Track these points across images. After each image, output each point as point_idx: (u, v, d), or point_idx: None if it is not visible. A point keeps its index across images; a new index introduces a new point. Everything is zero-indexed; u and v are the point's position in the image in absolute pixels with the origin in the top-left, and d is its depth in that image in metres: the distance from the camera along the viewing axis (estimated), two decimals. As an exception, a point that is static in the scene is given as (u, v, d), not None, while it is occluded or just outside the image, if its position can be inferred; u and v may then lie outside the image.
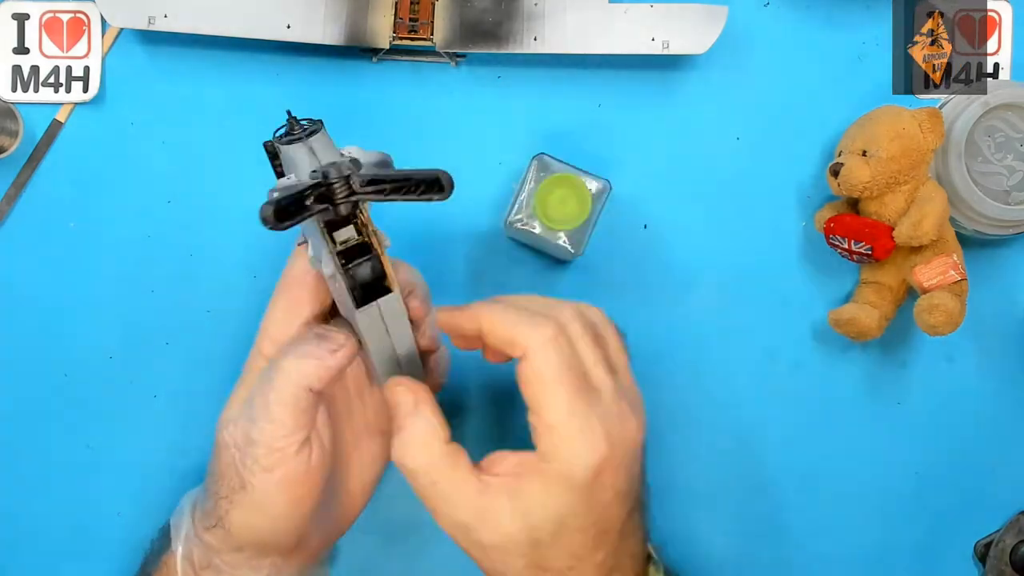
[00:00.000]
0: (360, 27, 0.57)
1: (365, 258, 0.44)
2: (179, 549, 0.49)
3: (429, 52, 0.59)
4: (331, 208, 0.41)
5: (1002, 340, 0.63)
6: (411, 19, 0.57)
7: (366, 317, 0.45)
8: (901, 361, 0.63)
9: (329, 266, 0.44)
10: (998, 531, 0.63)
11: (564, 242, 0.57)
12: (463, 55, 0.60)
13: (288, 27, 0.57)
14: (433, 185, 0.40)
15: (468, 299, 0.61)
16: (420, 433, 0.44)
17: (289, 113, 0.44)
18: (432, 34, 0.57)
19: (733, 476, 0.62)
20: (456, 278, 0.61)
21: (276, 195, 0.39)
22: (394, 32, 0.57)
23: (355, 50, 0.60)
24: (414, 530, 0.61)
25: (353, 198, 0.41)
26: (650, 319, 0.62)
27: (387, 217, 0.61)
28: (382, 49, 0.58)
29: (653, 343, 0.62)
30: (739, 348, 0.62)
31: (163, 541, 0.51)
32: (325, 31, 0.57)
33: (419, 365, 0.49)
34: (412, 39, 0.57)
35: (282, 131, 0.44)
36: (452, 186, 0.40)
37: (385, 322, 0.45)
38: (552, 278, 0.61)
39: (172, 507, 0.60)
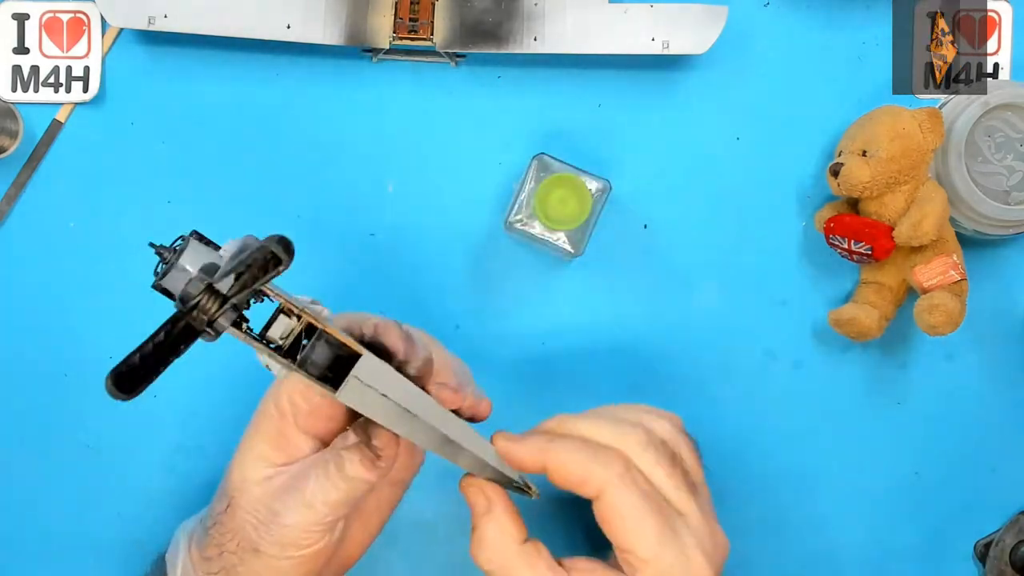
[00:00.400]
0: (360, 27, 0.57)
1: (313, 339, 0.40)
2: None
3: (429, 52, 0.59)
4: (209, 331, 0.36)
5: (1002, 340, 0.63)
6: (411, 19, 0.57)
7: (353, 394, 0.41)
8: (901, 361, 0.63)
9: (281, 370, 0.40)
10: (998, 531, 0.63)
11: (564, 242, 0.57)
12: (463, 55, 0.60)
13: (288, 27, 0.57)
14: (272, 256, 0.35)
15: (467, 298, 0.61)
16: (494, 535, 0.44)
17: (152, 244, 0.39)
18: (432, 34, 0.57)
19: (733, 476, 0.62)
20: (456, 278, 0.61)
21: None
22: (394, 32, 0.57)
23: (355, 50, 0.60)
24: (414, 530, 0.61)
25: (228, 304, 0.36)
26: (650, 319, 0.62)
27: (385, 222, 0.61)
28: (382, 49, 0.58)
29: (653, 343, 0.62)
30: (739, 348, 0.62)
31: None
32: (325, 31, 0.57)
33: (439, 408, 0.44)
34: (412, 39, 0.57)
35: (159, 267, 0.38)
36: (291, 252, 0.35)
37: (375, 387, 0.41)
38: (552, 278, 0.61)
39: (172, 507, 0.60)
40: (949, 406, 0.63)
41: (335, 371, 0.40)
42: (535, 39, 0.57)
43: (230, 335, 0.38)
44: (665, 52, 0.57)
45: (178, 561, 0.48)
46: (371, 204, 0.61)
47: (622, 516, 0.42)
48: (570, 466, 0.43)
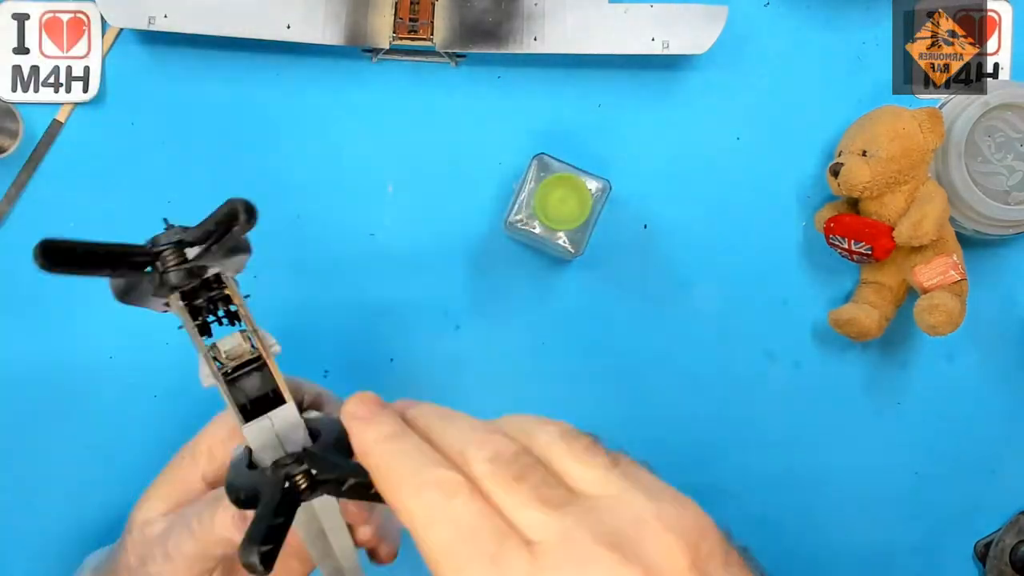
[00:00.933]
0: (360, 27, 0.57)
1: (252, 367, 0.38)
2: None
3: (429, 52, 0.59)
4: (159, 277, 0.35)
5: (1002, 340, 0.63)
6: (411, 19, 0.57)
7: (254, 433, 0.37)
8: (901, 361, 0.63)
9: (207, 375, 0.37)
10: (998, 531, 0.63)
11: (564, 242, 0.57)
12: (463, 55, 0.60)
13: (288, 27, 0.57)
14: (232, 216, 0.34)
15: (467, 298, 0.61)
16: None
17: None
18: (432, 34, 0.57)
19: (733, 476, 0.62)
20: (456, 278, 0.61)
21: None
22: (394, 32, 0.57)
23: (355, 50, 0.59)
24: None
25: (186, 266, 0.35)
26: (650, 319, 0.62)
27: (385, 222, 0.61)
28: (382, 49, 0.58)
29: (653, 343, 0.62)
30: (739, 348, 0.62)
31: None
32: (325, 31, 0.57)
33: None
34: (412, 39, 0.57)
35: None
36: (253, 213, 0.33)
37: (280, 438, 0.38)
38: (552, 278, 0.61)
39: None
40: (949, 406, 0.63)
41: (255, 408, 0.38)
42: (535, 39, 0.57)
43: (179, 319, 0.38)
44: (665, 52, 0.57)
45: None
46: (371, 204, 0.61)
47: (434, 561, 0.31)
48: (386, 476, 0.33)
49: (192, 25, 0.56)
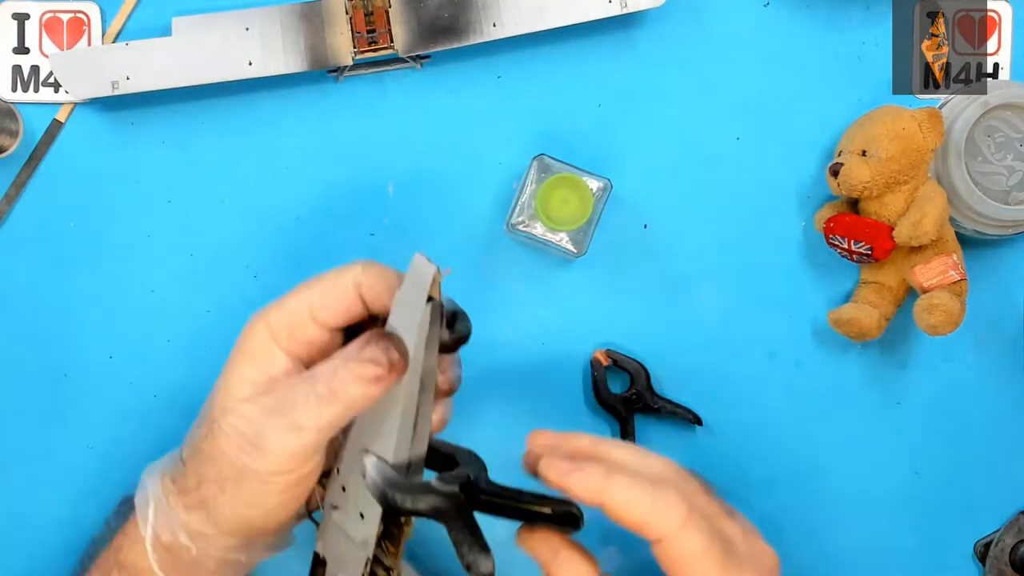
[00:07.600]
0: (320, 49, 0.57)
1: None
2: (148, 533, 0.44)
3: (394, 60, 0.58)
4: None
5: (1002, 340, 0.63)
6: (369, 30, 0.57)
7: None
8: (901, 361, 0.63)
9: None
10: (998, 531, 0.63)
11: (566, 242, 0.57)
12: (427, 56, 0.60)
13: (250, 64, 0.56)
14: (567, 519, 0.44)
15: (468, 299, 0.61)
16: None
17: None
18: (392, 41, 0.57)
19: (733, 476, 0.62)
20: (457, 279, 0.61)
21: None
22: (355, 47, 0.57)
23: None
24: (413, 530, 0.61)
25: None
26: (650, 319, 0.62)
27: (385, 223, 0.61)
28: (347, 66, 0.58)
29: (653, 343, 0.62)
30: (739, 348, 0.62)
31: (120, 521, 0.47)
32: (287, 61, 0.56)
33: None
34: (374, 50, 0.57)
35: None
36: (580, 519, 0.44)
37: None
38: (553, 279, 0.61)
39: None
40: (949, 406, 0.63)
41: None
42: (494, 25, 0.57)
43: None
44: (624, 11, 0.57)
45: (148, 497, 0.45)
46: (371, 205, 0.61)
47: (689, 561, 0.42)
48: (633, 508, 0.42)
49: (156, 82, 0.56)
